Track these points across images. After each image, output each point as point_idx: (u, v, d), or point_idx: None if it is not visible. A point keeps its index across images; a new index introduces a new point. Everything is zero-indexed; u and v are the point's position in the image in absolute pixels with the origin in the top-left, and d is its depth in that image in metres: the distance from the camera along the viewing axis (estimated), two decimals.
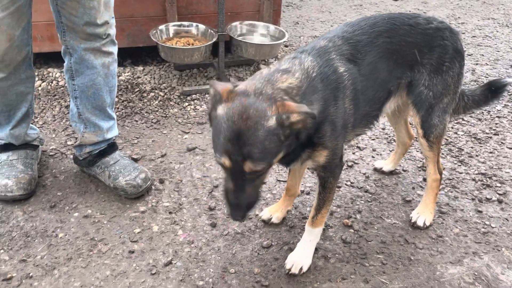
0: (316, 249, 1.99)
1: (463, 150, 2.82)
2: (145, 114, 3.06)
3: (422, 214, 2.19)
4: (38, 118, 2.91)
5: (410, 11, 5.51)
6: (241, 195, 1.47)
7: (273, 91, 1.44)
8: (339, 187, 2.44)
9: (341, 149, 1.77)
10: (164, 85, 3.39)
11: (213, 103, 1.45)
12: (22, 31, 1.96)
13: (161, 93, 3.30)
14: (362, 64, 1.73)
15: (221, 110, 1.41)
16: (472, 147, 2.85)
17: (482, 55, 4.27)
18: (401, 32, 1.84)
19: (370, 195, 2.40)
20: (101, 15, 2.03)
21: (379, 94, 1.86)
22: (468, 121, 3.14)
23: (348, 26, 1.82)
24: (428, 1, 5.94)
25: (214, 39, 3.33)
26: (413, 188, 2.48)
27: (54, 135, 2.76)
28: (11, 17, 1.87)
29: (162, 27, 3.43)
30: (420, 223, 2.17)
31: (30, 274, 1.83)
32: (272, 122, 1.36)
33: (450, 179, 2.54)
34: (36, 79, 3.30)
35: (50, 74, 3.40)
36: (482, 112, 3.22)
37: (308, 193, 2.38)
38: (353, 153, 2.74)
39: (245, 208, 1.51)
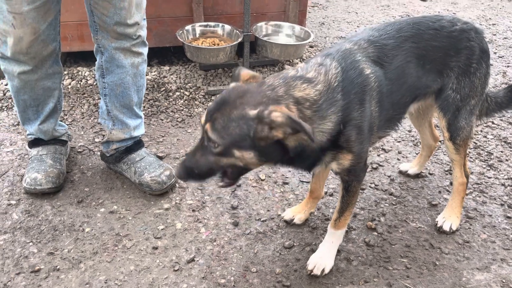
0: (339, 251, 1.97)
1: (492, 154, 2.74)
2: (171, 113, 3.10)
3: (448, 219, 2.14)
4: (67, 116, 2.99)
5: (439, 12, 5.41)
6: (191, 157, 1.53)
7: (284, 95, 1.46)
8: (363, 189, 2.41)
9: (366, 153, 1.75)
10: (189, 84, 3.43)
11: (231, 80, 1.50)
12: (48, 26, 2.01)
13: (187, 93, 3.34)
14: (388, 67, 1.70)
15: (231, 85, 1.51)
16: (502, 151, 2.77)
17: None
18: (427, 37, 1.81)
19: (395, 198, 2.36)
20: (132, 16, 2.08)
21: (405, 99, 1.83)
22: (498, 125, 3.05)
23: (373, 30, 1.80)
24: (458, 2, 5.82)
25: (240, 39, 3.35)
26: (440, 192, 2.43)
27: (82, 132, 2.83)
28: (37, 11, 1.92)
29: (188, 27, 3.47)
30: (446, 227, 2.12)
31: (57, 267, 1.88)
32: (252, 112, 1.39)
33: (479, 184, 2.48)
34: (66, 77, 3.39)
35: (80, 72, 3.48)
36: None
37: (331, 195, 2.36)
38: (378, 155, 2.71)
39: (186, 170, 1.53)
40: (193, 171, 1.53)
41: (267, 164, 1.59)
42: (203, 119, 1.49)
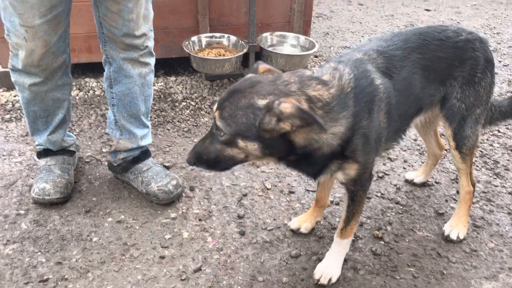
0: (346, 260, 1.97)
1: (498, 162, 2.74)
2: (177, 123, 3.13)
3: (455, 227, 2.13)
4: (75, 126, 3.02)
5: (443, 21, 5.43)
6: (201, 143, 1.56)
7: (297, 91, 1.46)
8: (369, 198, 2.41)
9: (373, 163, 1.75)
10: (195, 94, 3.46)
11: (248, 72, 1.56)
12: (58, 39, 2.05)
13: (193, 103, 3.36)
14: (397, 78, 1.71)
15: (246, 76, 1.55)
16: (508, 160, 2.76)
17: None
18: (433, 48, 1.82)
19: (401, 207, 2.36)
20: (140, 27, 2.11)
21: (411, 110, 1.84)
22: (504, 133, 3.05)
23: (381, 41, 1.81)
24: (462, 11, 5.84)
25: (245, 50, 3.38)
26: (446, 200, 2.42)
27: (90, 143, 2.86)
28: (49, 24, 1.96)
29: (194, 38, 3.51)
30: (453, 236, 2.12)
31: (65, 277, 1.89)
32: (261, 102, 1.40)
33: (485, 192, 2.47)
34: (74, 88, 3.43)
35: (87, 83, 3.53)
36: None
37: (337, 204, 2.37)
38: (384, 164, 2.71)
39: (195, 155, 1.56)
40: (201, 157, 1.55)
41: (271, 159, 1.57)
42: (215, 107, 1.51)
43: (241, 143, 1.45)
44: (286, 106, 1.35)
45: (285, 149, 1.49)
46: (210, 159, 1.53)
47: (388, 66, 1.70)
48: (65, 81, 2.25)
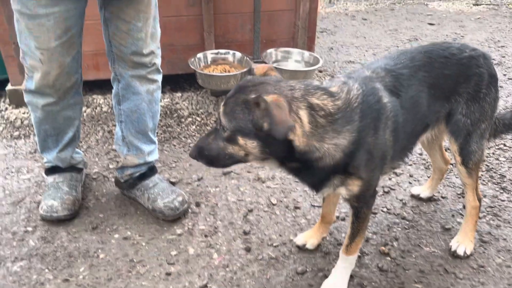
0: (352, 277, 1.96)
1: (505, 176, 2.73)
2: (183, 138, 3.15)
3: (462, 243, 2.12)
4: (82, 143, 3.06)
5: (447, 35, 5.46)
6: (205, 139, 1.58)
7: (300, 97, 1.47)
8: (375, 213, 2.41)
9: (377, 181, 1.75)
10: (201, 110, 3.50)
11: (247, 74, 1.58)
12: (72, 59, 2.09)
13: (198, 118, 3.40)
14: (404, 97, 1.72)
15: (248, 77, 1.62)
16: None
17: None
18: (438, 65, 1.84)
19: (408, 222, 2.35)
20: (148, 46, 2.16)
21: (417, 128, 1.86)
22: (510, 147, 3.04)
23: (388, 59, 1.83)
24: (466, 25, 5.87)
25: (250, 66, 3.42)
26: (453, 215, 2.41)
27: (97, 159, 2.89)
28: (63, 45, 2.00)
29: (200, 55, 3.56)
30: (460, 252, 2.10)
31: None
32: (252, 95, 1.44)
33: (492, 207, 2.46)
34: None
35: (95, 100, 3.58)
36: None
37: (343, 219, 2.36)
38: (390, 179, 2.71)
39: (198, 149, 1.58)
40: (204, 152, 1.57)
41: (272, 162, 1.58)
42: (222, 103, 1.54)
43: (240, 140, 1.47)
44: (262, 99, 1.37)
45: (284, 152, 1.50)
46: (211, 155, 1.55)
47: (395, 85, 1.72)
48: (77, 100, 2.29)
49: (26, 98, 2.19)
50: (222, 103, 1.54)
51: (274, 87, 1.49)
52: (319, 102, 1.50)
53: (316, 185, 1.69)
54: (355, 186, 1.65)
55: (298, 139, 1.46)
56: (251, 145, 1.47)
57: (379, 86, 1.67)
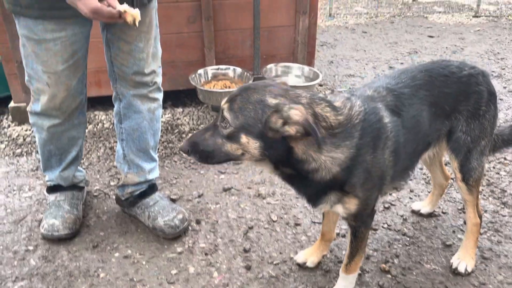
0: None
1: (506, 191, 2.72)
2: (184, 154, 3.16)
3: (463, 260, 2.11)
4: (84, 159, 3.07)
5: (447, 47, 5.49)
6: (201, 134, 1.55)
7: (305, 104, 1.48)
8: (376, 229, 2.40)
9: (375, 201, 1.75)
10: (202, 125, 3.51)
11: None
12: (78, 81, 2.11)
13: None
14: (406, 116, 1.73)
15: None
16: None
17: None
18: (438, 84, 1.85)
19: (408, 239, 2.35)
20: (149, 66, 2.19)
21: (419, 147, 1.86)
22: (511, 161, 3.04)
23: (389, 78, 1.84)
24: (465, 37, 5.90)
25: (250, 81, 3.44)
26: (454, 231, 2.40)
27: (98, 176, 2.90)
28: (69, 68, 2.03)
29: (201, 71, 3.59)
30: (461, 269, 2.09)
31: None
32: (272, 101, 1.44)
33: (493, 223, 2.45)
34: None
35: (96, 117, 3.60)
36: None
37: (343, 236, 2.36)
38: (390, 194, 2.71)
39: (191, 144, 1.54)
40: (198, 147, 1.54)
41: (266, 165, 1.58)
42: (224, 101, 1.53)
43: (243, 138, 1.46)
44: (296, 113, 1.40)
45: (283, 155, 1.50)
46: (206, 150, 1.53)
47: (397, 104, 1.72)
48: (81, 120, 2.31)
49: (32, 119, 2.21)
50: (226, 100, 1.52)
51: (282, 91, 1.50)
52: (322, 113, 1.51)
53: (313, 199, 1.69)
54: (352, 204, 1.66)
55: (299, 145, 1.48)
56: (254, 144, 1.47)
57: (381, 106, 1.67)
